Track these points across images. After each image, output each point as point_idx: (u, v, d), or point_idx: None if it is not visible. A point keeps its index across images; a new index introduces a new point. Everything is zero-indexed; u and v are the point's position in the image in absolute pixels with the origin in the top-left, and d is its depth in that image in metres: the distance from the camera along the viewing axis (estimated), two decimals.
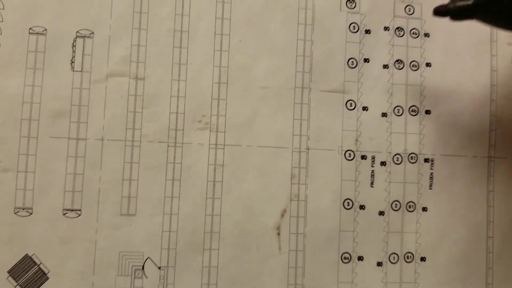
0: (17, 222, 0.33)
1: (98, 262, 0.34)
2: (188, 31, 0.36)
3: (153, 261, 0.34)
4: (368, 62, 0.37)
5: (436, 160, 0.38)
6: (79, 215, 0.34)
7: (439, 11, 0.32)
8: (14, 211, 0.33)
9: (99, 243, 0.34)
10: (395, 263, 0.37)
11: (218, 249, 0.35)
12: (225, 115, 0.36)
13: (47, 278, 0.33)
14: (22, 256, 0.33)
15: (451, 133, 0.38)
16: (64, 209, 0.34)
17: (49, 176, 0.34)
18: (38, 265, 0.33)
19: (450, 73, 0.38)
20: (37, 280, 0.33)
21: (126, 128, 0.35)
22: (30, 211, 0.33)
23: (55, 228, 0.34)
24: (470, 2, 0.30)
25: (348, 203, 0.36)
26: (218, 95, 0.36)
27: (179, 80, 0.35)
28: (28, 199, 0.33)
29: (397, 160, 0.37)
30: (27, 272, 0.33)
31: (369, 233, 0.37)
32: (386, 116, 0.37)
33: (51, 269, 0.33)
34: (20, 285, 0.33)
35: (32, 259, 0.33)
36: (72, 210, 0.34)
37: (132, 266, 0.34)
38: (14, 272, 0.33)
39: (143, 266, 0.34)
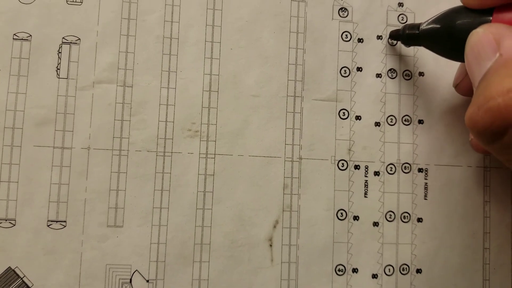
0: None
1: (84, 275, 0.33)
2: (178, 38, 0.35)
3: (141, 274, 0.33)
4: (361, 71, 0.37)
5: (430, 170, 0.37)
6: (64, 226, 0.33)
7: (393, 35, 0.37)
8: None
9: (85, 255, 0.33)
10: (391, 275, 0.36)
11: (209, 261, 0.34)
12: (216, 124, 0.35)
13: None
14: (5, 269, 0.32)
15: (444, 143, 0.37)
16: (48, 220, 0.33)
17: (33, 186, 0.33)
18: (21, 278, 0.32)
19: (443, 83, 0.38)
20: None
21: (113, 137, 0.34)
22: (13, 222, 0.32)
23: (39, 240, 0.32)
24: (416, 32, 0.33)
25: (341, 213, 0.36)
26: (208, 103, 0.35)
27: (168, 87, 0.35)
28: (11, 210, 0.32)
29: (391, 170, 0.37)
30: (9, 285, 0.32)
31: (364, 244, 0.36)
32: (379, 125, 0.37)
33: (35, 282, 0.32)
34: None
35: (15, 272, 0.32)
36: (56, 221, 0.33)
37: (119, 279, 0.33)
38: None
39: (130, 279, 0.33)
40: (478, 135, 0.25)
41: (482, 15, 0.29)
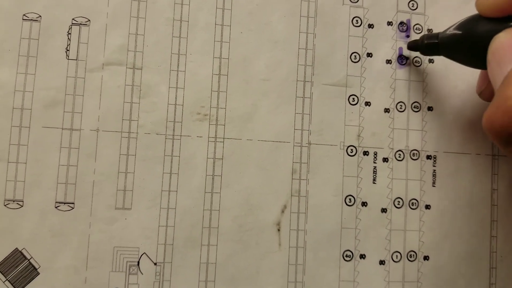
0: (7, 214, 0.32)
1: (92, 257, 0.33)
2: (188, 21, 0.35)
3: (148, 257, 0.33)
4: (371, 56, 0.37)
5: (439, 157, 0.37)
6: (72, 208, 0.33)
7: (411, 46, 0.36)
8: (4, 203, 0.32)
9: (93, 238, 0.33)
10: (398, 261, 0.36)
11: (217, 245, 0.34)
12: (225, 108, 0.35)
13: (38, 274, 0.32)
14: (12, 250, 0.32)
15: (453, 130, 0.37)
16: (56, 202, 0.33)
17: (41, 168, 0.33)
18: (28, 260, 0.32)
19: (452, 70, 0.38)
20: (27, 275, 0.32)
21: (122, 119, 0.34)
22: (20, 203, 0.32)
23: (46, 222, 0.32)
24: (436, 41, 0.33)
25: (350, 199, 0.36)
26: (218, 87, 0.35)
27: (177, 70, 0.34)
28: (19, 191, 0.32)
29: (399, 157, 0.36)
30: (16, 267, 0.32)
31: (372, 230, 0.36)
32: (388, 111, 0.37)
33: (42, 264, 0.32)
34: (9, 281, 0.32)
35: (22, 254, 0.32)
36: (64, 203, 0.33)
37: (127, 261, 0.33)
38: (3, 267, 0.32)
39: (138, 262, 0.33)
40: (495, 136, 0.25)
41: (502, 22, 0.29)
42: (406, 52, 0.37)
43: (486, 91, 0.34)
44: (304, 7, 0.36)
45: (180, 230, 0.34)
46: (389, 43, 0.37)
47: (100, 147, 0.33)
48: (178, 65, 0.35)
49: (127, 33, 0.34)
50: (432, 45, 0.34)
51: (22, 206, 0.32)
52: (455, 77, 0.38)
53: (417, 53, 0.37)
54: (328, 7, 0.37)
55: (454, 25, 0.32)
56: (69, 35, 0.33)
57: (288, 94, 0.36)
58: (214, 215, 0.34)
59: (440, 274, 0.36)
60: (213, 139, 0.34)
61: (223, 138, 0.35)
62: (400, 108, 0.37)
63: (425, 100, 0.37)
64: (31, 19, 0.33)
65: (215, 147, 0.34)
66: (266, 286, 0.34)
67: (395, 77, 0.37)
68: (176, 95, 0.34)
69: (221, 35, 0.35)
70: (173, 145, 0.34)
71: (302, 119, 0.36)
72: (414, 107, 0.37)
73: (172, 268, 0.33)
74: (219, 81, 0.35)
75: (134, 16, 0.34)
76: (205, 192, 0.34)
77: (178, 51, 0.35)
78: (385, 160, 0.36)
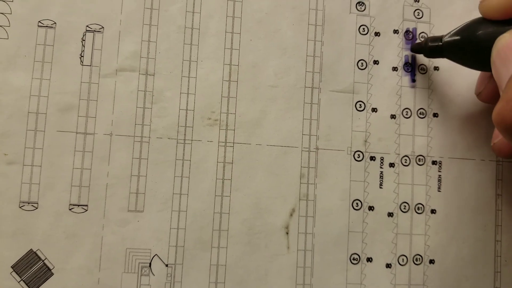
0: (22, 216, 0.33)
1: (104, 259, 0.33)
2: (199, 29, 0.36)
3: (160, 258, 0.34)
4: (378, 64, 0.38)
5: (444, 163, 0.38)
6: (86, 210, 0.33)
7: (415, 49, 0.37)
8: (19, 205, 0.33)
9: (106, 239, 0.33)
10: (404, 265, 0.36)
11: (226, 247, 0.35)
12: (235, 113, 0.35)
13: (52, 274, 0.33)
14: (27, 251, 0.33)
15: (458, 136, 0.38)
16: (70, 204, 0.33)
17: (56, 170, 0.33)
18: (43, 261, 0.33)
19: (457, 77, 0.38)
20: (41, 276, 0.33)
21: (135, 124, 0.34)
22: (35, 205, 0.33)
23: (60, 223, 0.33)
24: (440, 44, 0.34)
25: (357, 203, 0.36)
26: (228, 93, 0.36)
27: (189, 77, 0.35)
28: (33, 193, 0.33)
29: (405, 162, 0.37)
30: (31, 267, 0.33)
31: (378, 234, 0.36)
32: (394, 118, 0.37)
33: (56, 265, 0.33)
34: (23, 281, 0.32)
35: (36, 255, 0.33)
36: (78, 205, 0.33)
37: (139, 263, 0.34)
38: (18, 267, 0.32)
39: (150, 263, 0.34)
40: (506, 130, 0.26)
41: (505, 24, 0.30)
42: (412, 59, 0.38)
43: (485, 92, 0.35)
44: (312, 16, 0.37)
45: (191, 233, 0.34)
46: (395, 51, 0.38)
47: (113, 151, 0.34)
48: (189, 71, 0.35)
49: (140, 40, 0.35)
50: (436, 47, 0.34)
51: (36, 208, 0.33)
52: (460, 84, 0.38)
53: (422, 60, 0.38)
54: (336, 16, 0.37)
55: (457, 28, 0.33)
56: (83, 41, 0.34)
57: (296, 100, 0.36)
58: (224, 218, 0.35)
59: (445, 277, 0.37)
60: (223, 144, 0.35)
61: (233, 142, 0.35)
62: (406, 114, 0.37)
63: (431, 107, 0.38)
64: (46, 26, 0.34)
65: (225, 152, 0.35)
66: None
67: (401, 84, 0.38)
68: (187, 101, 0.35)
69: (231, 43, 0.36)
70: (184, 149, 0.35)
71: (310, 124, 0.36)
72: (420, 113, 0.38)
73: (183, 269, 0.34)
74: (229, 87, 0.36)
75: (147, 23, 0.35)
76: (215, 196, 0.35)
77: (190, 58, 0.35)
78: (391, 165, 0.37)
